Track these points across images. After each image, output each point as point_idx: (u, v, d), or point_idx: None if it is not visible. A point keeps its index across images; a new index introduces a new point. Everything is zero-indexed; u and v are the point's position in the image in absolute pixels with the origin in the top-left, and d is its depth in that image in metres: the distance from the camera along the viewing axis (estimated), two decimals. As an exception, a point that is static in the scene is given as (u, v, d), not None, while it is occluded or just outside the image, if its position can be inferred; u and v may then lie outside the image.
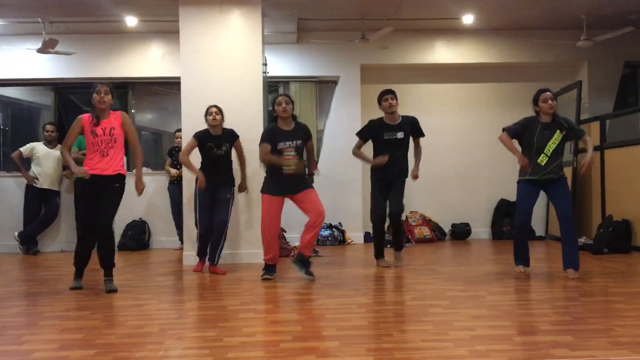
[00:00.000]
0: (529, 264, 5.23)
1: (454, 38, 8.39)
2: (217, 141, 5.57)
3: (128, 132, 4.74)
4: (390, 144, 5.58)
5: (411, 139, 5.72)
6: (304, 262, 5.08)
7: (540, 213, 8.55)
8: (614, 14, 7.46)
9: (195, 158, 5.70)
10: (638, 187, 6.68)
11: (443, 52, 8.49)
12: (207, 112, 5.61)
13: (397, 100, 5.63)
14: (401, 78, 8.67)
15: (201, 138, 5.57)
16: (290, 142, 5.00)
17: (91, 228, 4.66)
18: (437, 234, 8.33)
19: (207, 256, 5.65)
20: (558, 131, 5.01)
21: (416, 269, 5.64)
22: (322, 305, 4.04)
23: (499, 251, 7.11)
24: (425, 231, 8.16)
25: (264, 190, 5.08)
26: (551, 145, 4.98)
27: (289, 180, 4.99)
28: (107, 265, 4.71)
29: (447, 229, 8.55)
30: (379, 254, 5.85)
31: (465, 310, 3.77)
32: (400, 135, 5.60)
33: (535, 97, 5.19)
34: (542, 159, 5.00)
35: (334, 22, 7.95)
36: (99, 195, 4.62)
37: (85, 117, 4.68)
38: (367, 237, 8.31)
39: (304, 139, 5.11)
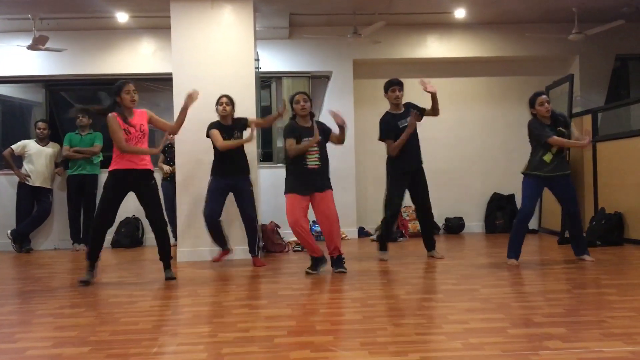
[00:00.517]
0: (518, 258, 5.28)
1: (446, 32, 8.40)
2: (229, 131, 5.60)
3: (160, 122, 5.07)
4: (405, 131, 5.67)
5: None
6: (336, 262, 5.11)
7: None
8: (605, 7, 7.48)
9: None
10: (630, 180, 6.71)
11: (435, 47, 8.49)
12: (218, 102, 5.65)
13: (403, 91, 5.78)
14: (394, 73, 8.58)
15: (217, 127, 5.60)
16: (314, 138, 5.02)
17: (109, 221, 4.89)
18: (431, 228, 8.34)
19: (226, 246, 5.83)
20: (560, 129, 5.18)
21: (410, 263, 5.65)
22: (316, 300, 4.04)
23: (492, 245, 7.14)
24: (419, 225, 8.14)
25: (288, 190, 5.02)
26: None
27: (314, 176, 5.01)
28: (168, 258, 5.00)
29: (440, 223, 8.56)
30: (383, 247, 5.88)
31: (459, 303, 3.78)
32: (410, 120, 5.72)
33: (531, 100, 5.30)
34: (548, 157, 5.16)
35: (326, 17, 7.94)
36: (127, 190, 4.88)
37: (117, 116, 4.79)
38: (360, 232, 8.33)
39: (325, 135, 5.14)
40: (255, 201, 5.77)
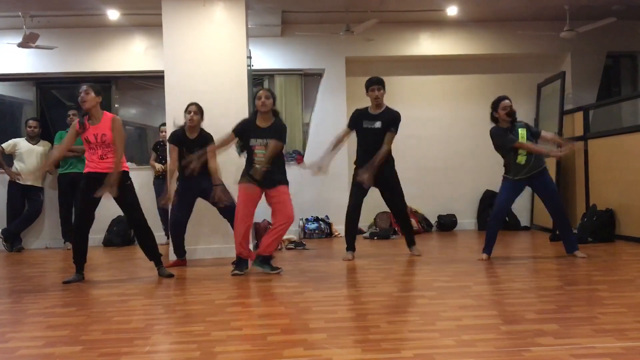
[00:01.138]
0: (491, 253, 5.46)
1: (438, 30, 8.41)
2: (191, 146, 5.42)
3: (116, 138, 4.77)
4: (368, 133, 5.60)
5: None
6: (264, 261, 4.99)
7: (525, 204, 8.62)
8: (596, 4, 7.50)
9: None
10: (621, 177, 6.74)
11: (427, 44, 8.50)
12: (186, 110, 5.53)
13: (384, 90, 5.66)
14: (386, 70, 8.65)
15: (177, 141, 5.50)
16: (262, 140, 4.91)
17: (87, 223, 4.91)
18: (424, 225, 8.36)
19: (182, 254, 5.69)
20: (520, 129, 5.32)
21: (403, 261, 5.66)
22: (309, 298, 4.04)
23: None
24: (412, 223, 8.16)
25: (240, 180, 5.04)
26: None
27: (263, 174, 4.90)
28: (155, 256, 5.03)
29: (433, 220, 8.58)
30: (348, 246, 5.82)
31: (452, 300, 3.79)
32: (377, 124, 5.58)
33: (495, 104, 5.44)
34: (521, 159, 5.29)
35: (318, 15, 7.92)
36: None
37: (77, 124, 4.82)
38: (353, 230, 8.33)
39: (277, 137, 4.91)
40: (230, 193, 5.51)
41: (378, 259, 5.77)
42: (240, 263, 5.06)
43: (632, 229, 6.52)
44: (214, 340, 2.99)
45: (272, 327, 3.22)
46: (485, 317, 3.30)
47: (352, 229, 5.80)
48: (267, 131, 4.95)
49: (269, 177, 4.91)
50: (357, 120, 5.66)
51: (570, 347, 2.68)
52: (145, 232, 4.97)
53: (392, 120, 5.60)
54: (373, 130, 5.58)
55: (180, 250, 5.69)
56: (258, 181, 4.90)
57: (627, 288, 4.05)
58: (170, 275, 4.96)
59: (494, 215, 5.51)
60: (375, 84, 5.63)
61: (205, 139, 5.49)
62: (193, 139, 5.49)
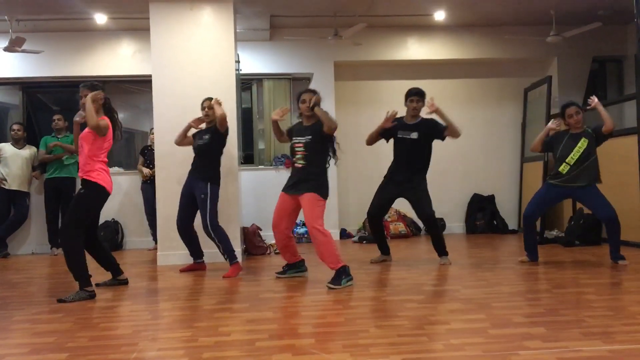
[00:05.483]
0: (535, 257, 5.47)
1: (426, 34, 8.45)
2: (201, 131, 5.59)
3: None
4: (403, 143, 5.58)
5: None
6: (338, 275, 4.56)
7: (512, 207, 8.67)
8: (582, 9, 7.58)
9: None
10: (607, 180, 6.77)
11: (415, 49, 8.54)
12: (201, 106, 5.62)
13: (423, 102, 5.62)
14: (374, 75, 8.71)
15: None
16: (301, 139, 4.83)
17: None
18: (412, 229, 8.38)
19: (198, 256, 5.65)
20: (583, 138, 5.32)
21: (391, 265, 5.66)
22: (298, 303, 4.03)
23: (472, 245, 7.17)
24: (401, 227, 8.20)
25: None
26: (575, 155, 5.28)
27: (297, 176, 4.82)
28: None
29: (421, 224, 8.59)
30: (382, 250, 5.88)
31: (440, 304, 3.79)
32: (414, 135, 5.56)
33: (561, 112, 5.48)
34: (564, 168, 5.30)
35: (307, 19, 7.93)
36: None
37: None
38: (342, 234, 8.33)
39: (315, 134, 4.77)
40: (209, 210, 5.32)
41: (367, 263, 5.76)
42: (289, 266, 5.09)
43: (619, 232, 6.56)
44: (202, 346, 2.97)
45: (261, 333, 3.20)
46: (473, 321, 3.31)
47: (373, 231, 5.86)
48: (307, 129, 4.86)
49: (295, 184, 4.80)
50: (392, 130, 5.57)
51: (558, 351, 2.70)
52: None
53: (433, 128, 5.58)
54: (408, 140, 5.56)
55: (192, 251, 5.61)
56: (291, 185, 4.82)
57: (614, 291, 4.08)
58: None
59: (523, 216, 5.56)
60: (415, 95, 5.60)
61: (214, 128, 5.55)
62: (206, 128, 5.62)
